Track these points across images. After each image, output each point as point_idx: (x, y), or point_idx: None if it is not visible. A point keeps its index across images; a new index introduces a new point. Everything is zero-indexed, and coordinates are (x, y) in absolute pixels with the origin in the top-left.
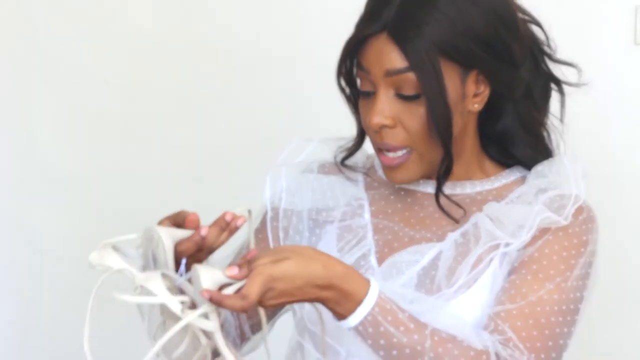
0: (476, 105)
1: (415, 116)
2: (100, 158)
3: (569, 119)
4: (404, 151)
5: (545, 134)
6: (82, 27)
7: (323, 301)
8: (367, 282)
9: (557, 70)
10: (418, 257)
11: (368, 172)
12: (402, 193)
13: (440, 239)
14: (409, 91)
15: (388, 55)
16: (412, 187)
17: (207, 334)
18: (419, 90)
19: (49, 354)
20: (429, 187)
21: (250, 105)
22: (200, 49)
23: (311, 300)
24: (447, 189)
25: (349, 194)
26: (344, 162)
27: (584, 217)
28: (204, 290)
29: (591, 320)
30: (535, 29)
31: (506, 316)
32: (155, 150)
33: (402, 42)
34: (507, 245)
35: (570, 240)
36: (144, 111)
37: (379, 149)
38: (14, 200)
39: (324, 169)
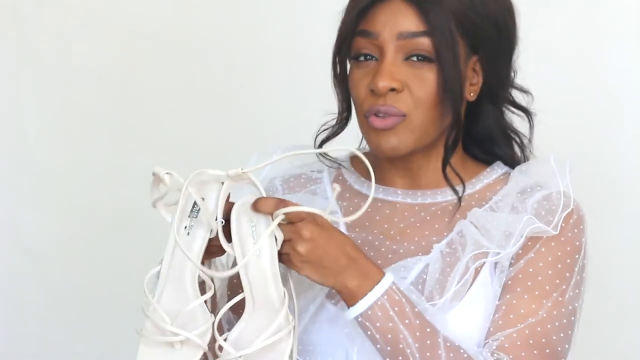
0: (472, 94)
1: (424, 82)
2: (92, 156)
3: (578, 112)
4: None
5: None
6: (74, 22)
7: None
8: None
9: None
10: (404, 273)
11: (339, 180)
12: (380, 204)
13: (425, 251)
14: (420, 55)
15: (403, 18)
16: (390, 197)
17: None
18: (432, 56)
19: (39, 355)
20: (409, 198)
21: (247, 103)
22: (196, 45)
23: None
24: (428, 197)
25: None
26: (324, 151)
27: (574, 220)
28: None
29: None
30: None
31: (506, 338)
32: (149, 149)
33: (420, 5)
34: (495, 254)
35: (564, 249)
36: (139, 108)
37: (372, 114)
38: (4, 200)
39: (288, 184)
